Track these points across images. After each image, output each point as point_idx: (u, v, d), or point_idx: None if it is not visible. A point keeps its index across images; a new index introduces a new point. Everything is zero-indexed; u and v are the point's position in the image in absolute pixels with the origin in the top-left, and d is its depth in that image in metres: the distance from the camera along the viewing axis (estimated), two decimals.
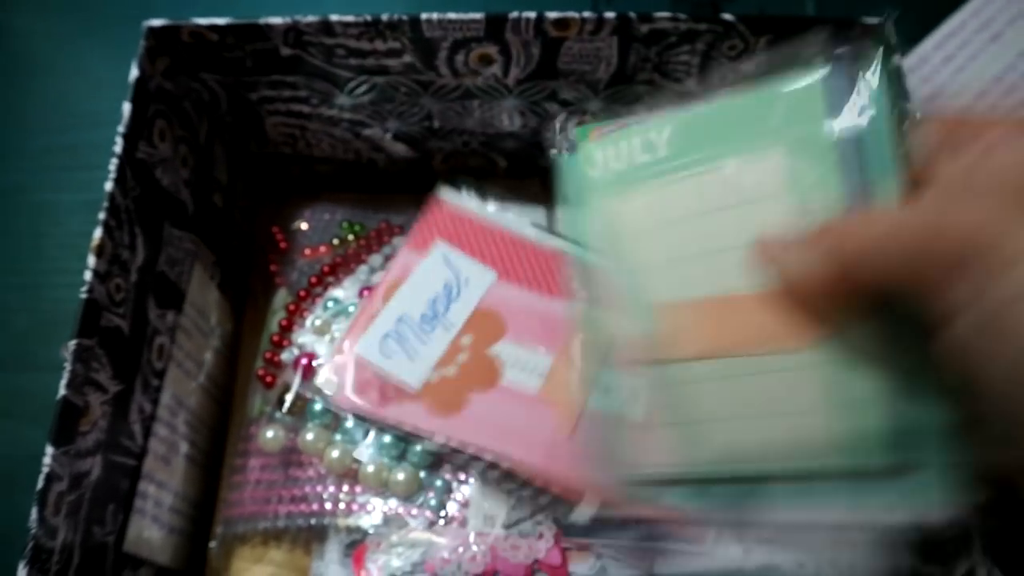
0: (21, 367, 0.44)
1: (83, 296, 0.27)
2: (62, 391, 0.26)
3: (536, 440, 0.31)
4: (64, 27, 0.54)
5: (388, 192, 0.42)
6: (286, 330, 0.36)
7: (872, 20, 0.32)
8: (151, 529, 0.32)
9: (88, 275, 0.28)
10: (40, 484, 0.25)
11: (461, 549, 0.30)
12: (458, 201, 0.37)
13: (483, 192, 0.41)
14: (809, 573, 0.31)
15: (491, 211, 0.38)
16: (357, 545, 0.31)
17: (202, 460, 0.36)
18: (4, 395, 0.44)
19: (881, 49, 0.26)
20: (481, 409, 0.32)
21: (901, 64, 0.32)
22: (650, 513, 0.27)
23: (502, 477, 0.32)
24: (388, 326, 0.32)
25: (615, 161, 0.28)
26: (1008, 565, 0.25)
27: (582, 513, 0.30)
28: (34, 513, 0.25)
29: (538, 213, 0.41)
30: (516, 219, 0.37)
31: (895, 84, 0.32)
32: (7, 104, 0.52)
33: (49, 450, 0.26)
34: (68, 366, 0.27)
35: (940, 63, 0.46)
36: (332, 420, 0.33)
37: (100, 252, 0.28)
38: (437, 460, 0.33)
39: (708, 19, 0.32)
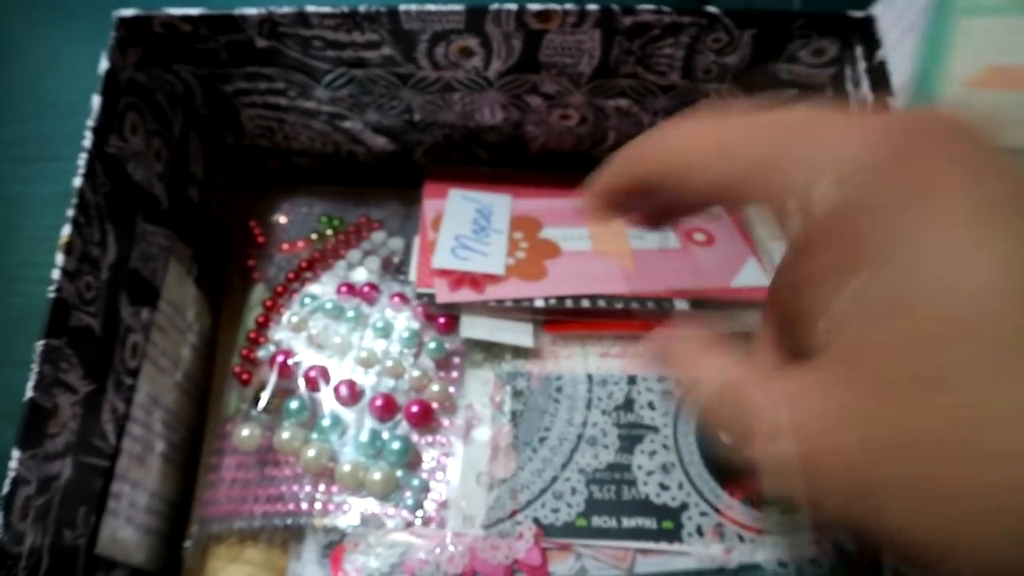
0: None
1: (51, 296, 0.27)
2: (29, 393, 0.26)
3: (613, 277, 0.36)
4: (35, 14, 0.53)
5: (368, 185, 0.42)
6: (263, 327, 0.36)
7: (858, 14, 0.32)
8: (125, 530, 0.31)
9: (56, 274, 0.27)
10: (6, 489, 0.25)
11: (439, 550, 0.30)
12: (445, 167, 0.41)
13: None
14: (790, 573, 0.30)
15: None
16: (335, 546, 0.31)
17: (179, 459, 0.36)
18: None
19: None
20: (560, 270, 0.37)
21: (885, 59, 0.31)
22: None
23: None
24: (450, 243, 0.36)
25: None
26: None
27: (682, 304, 0.36)
28: (0, 519, 0.24)
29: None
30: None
31: (880, 79, 0.31)
32: None
33: (15, 454, 0.25)
34: (35, 367, 0.26)
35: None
36: (308, 419, 0.33)
37: (69, 250, 0.28)
38: (414, 458, 0.32)
39: (692, 12, 0.32)
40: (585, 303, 0.35)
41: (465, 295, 0.35)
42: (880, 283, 0.17)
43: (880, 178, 0.18)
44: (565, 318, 0.35)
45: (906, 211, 0.17)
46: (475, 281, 0.35)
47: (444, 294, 0.35)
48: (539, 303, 0.35)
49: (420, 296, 0.35)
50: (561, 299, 0.35)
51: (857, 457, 0.16)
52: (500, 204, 0.39)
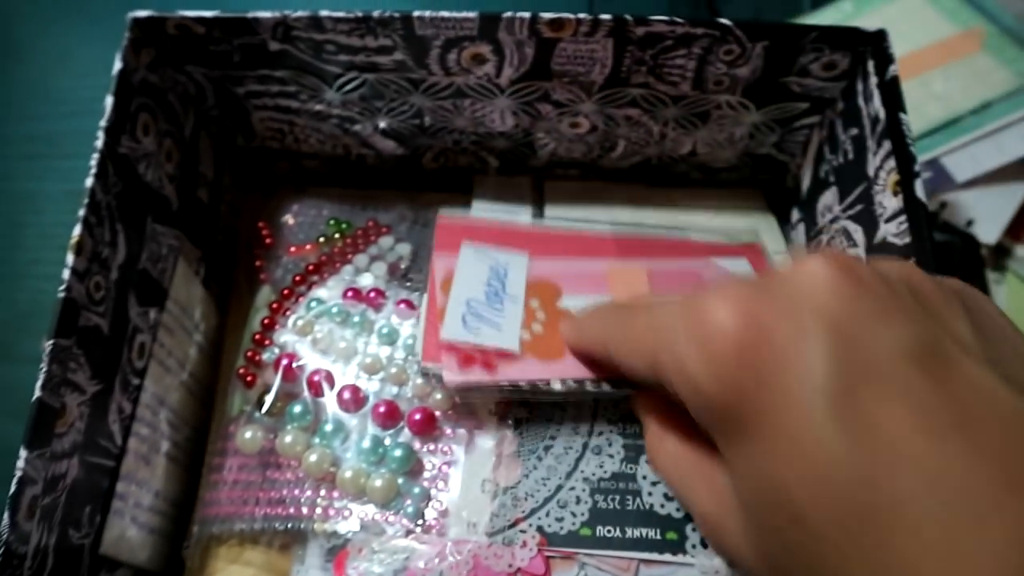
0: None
1: (60, 295, 0.27)
2: (37, 392, 0.26)
3: None
4: (47, 11, 0.53)
5: (377, 188, 0.42)
6: (268, 329, 0.36)
7: (870, 28, 0.32)
8: (130, 530, 0.31)
9: (66, 273, 0.27)
10: (13, 488, 0.25)
11: (439, 559, 0.30)
12: (460, 215, 0.38)
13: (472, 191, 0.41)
14: None
15: (488, 215, 0.39)
16: (338, 550, 0.31)
17: (183, 459, 0.36)
18: None
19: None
20: None
21: (897, 74, 0.31)
22: None
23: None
24: (461, 309, 0.33)
25: None
26: None
27: None
28: (6, 518, 0.24)
29: (526, 212, 0.41)
30: (509, 216, 0.39)
31: (891, 94, 0.31)
32: None
33: (23, 453, 0.25)
34: (44, 367, 0.26)
35: None
36: (311, 423, 0.33)
37: (79, 250, 0.28)
38: (416, 466, 0.32)
39: (705, 23, 0.32)
40: (607, 387, 0.32)
41: (476, 375, 0.32)
42: (744, 461, 0.21)
43: (707, 403, 0.21)
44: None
45: (755, 396, 0.20)
46: (487, 358, 0.32)
47: (453, 373, 0.32)
48: (556, 385, 0.31)
49: (426, 373, 0.33)
50: (580, 381, 0.32)
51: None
52: (516, 264, 0.36)
